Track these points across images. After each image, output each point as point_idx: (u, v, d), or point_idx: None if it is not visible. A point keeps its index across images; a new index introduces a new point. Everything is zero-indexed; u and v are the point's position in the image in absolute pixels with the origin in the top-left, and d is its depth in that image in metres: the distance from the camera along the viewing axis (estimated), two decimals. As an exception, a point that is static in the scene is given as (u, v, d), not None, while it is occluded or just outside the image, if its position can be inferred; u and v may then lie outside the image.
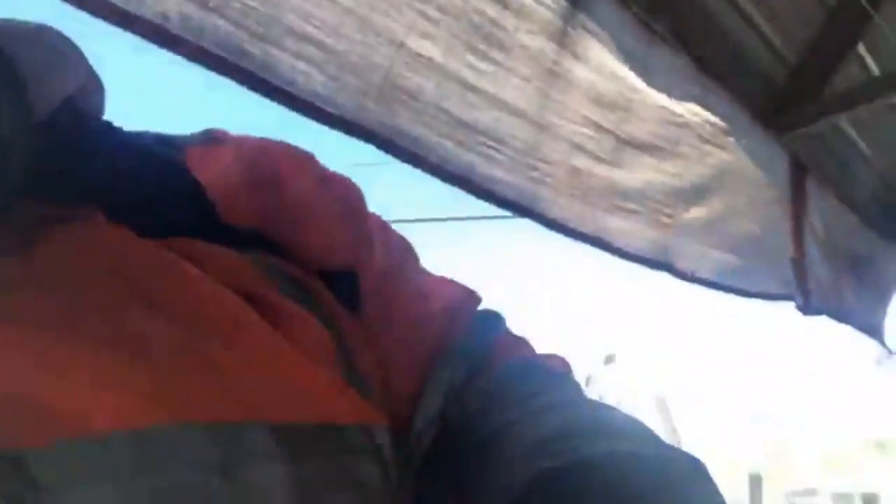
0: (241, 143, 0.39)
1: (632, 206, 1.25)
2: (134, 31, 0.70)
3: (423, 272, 0.45)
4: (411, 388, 0.38)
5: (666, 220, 1.32)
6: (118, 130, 0.38)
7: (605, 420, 0.36)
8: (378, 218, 0.44)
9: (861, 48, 1.60)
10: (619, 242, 1.20)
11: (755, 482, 9.22)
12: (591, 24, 1.28)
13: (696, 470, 0.32)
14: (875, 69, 1.65)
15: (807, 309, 1.60)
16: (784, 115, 1.64)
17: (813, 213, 1.77)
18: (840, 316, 1.82)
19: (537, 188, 1.11)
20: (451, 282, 0.45)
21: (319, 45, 0.86)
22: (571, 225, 1.13)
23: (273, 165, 0.38)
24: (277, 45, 0.81)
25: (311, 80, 0.86)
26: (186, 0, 0.74)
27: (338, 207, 0.40)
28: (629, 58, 1.36)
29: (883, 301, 2.18)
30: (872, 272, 2.05)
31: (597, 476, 0.30)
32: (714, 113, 1.53)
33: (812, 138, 1.73)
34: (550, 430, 0.34)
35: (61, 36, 0.35)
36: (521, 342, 0.45)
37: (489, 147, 1.06)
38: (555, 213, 1.11)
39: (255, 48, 0.80)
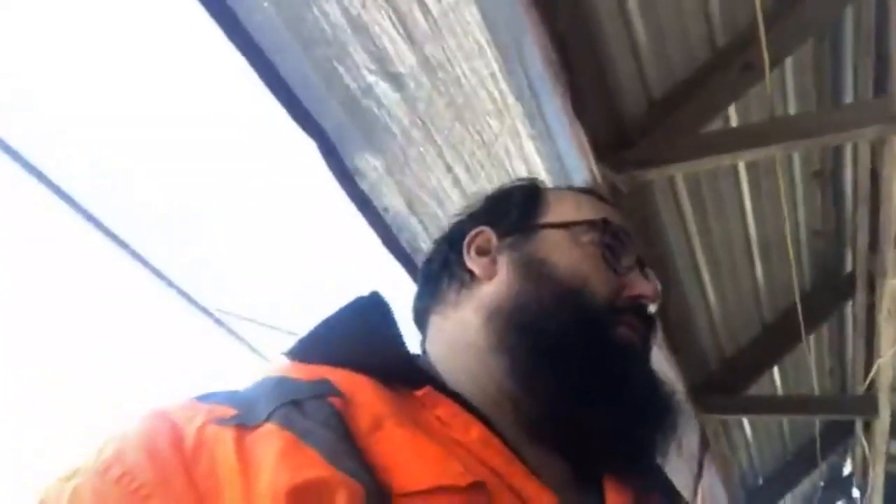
0: None
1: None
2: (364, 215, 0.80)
3: None
4: None
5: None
6: None
7: None
8: None
9: (775, 369, 1.94)
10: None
11: None
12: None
13: None
14: (780, 389, 2.00)
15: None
16: (709, 399, 1.93)
17: (706, 482, 2.02)
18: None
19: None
20: None
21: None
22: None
23: None
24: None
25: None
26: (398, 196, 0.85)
27: None
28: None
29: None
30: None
31: None
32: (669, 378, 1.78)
33: (720, 422, 2.02)
34: None
35: None
36: None
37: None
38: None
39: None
